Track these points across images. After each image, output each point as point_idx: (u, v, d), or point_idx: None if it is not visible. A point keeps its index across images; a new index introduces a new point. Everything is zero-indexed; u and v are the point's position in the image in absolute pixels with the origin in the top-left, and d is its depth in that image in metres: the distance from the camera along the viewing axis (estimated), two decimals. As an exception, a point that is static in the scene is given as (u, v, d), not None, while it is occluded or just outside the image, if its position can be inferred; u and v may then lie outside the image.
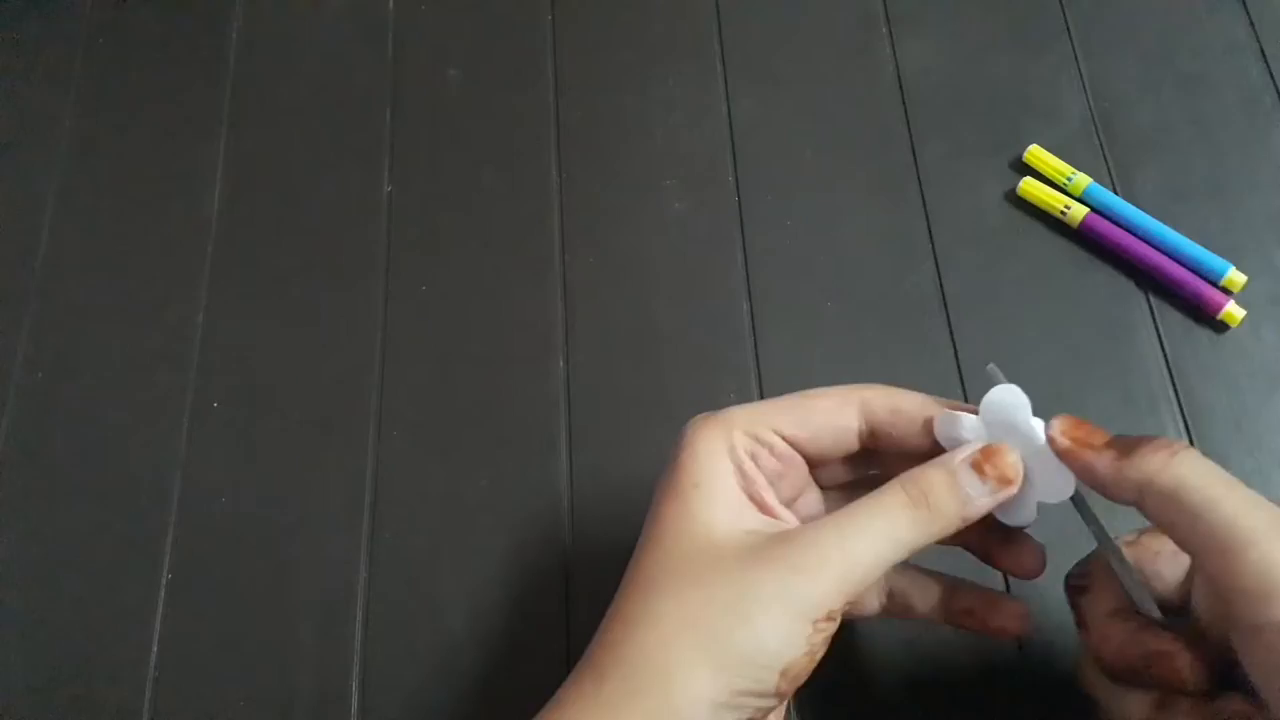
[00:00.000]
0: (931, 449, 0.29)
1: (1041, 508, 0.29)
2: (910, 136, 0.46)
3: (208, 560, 0.40)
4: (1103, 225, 0.42)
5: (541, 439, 0.41)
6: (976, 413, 0.28)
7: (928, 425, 0.29)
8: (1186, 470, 0.25)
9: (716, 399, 0.41)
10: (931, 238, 0.44)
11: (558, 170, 0.47)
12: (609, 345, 0.43)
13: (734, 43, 0.49)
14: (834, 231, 0.45)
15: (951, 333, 0.42)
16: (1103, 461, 0.27)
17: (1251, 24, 0.47)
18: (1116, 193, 0.43)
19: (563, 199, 0.46)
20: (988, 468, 0.27)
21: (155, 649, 0.39)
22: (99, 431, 0.43)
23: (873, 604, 0.32)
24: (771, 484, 0.29)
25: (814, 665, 0.26)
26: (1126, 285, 0.42)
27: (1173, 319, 0.41)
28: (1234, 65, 0.46)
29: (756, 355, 0.42)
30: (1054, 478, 0.28)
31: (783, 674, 0.25)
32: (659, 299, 0.44)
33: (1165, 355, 0.41)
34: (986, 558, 0.31)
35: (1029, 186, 0.43)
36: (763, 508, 0.28)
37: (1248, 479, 0.38)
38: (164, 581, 0.40)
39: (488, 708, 0.37)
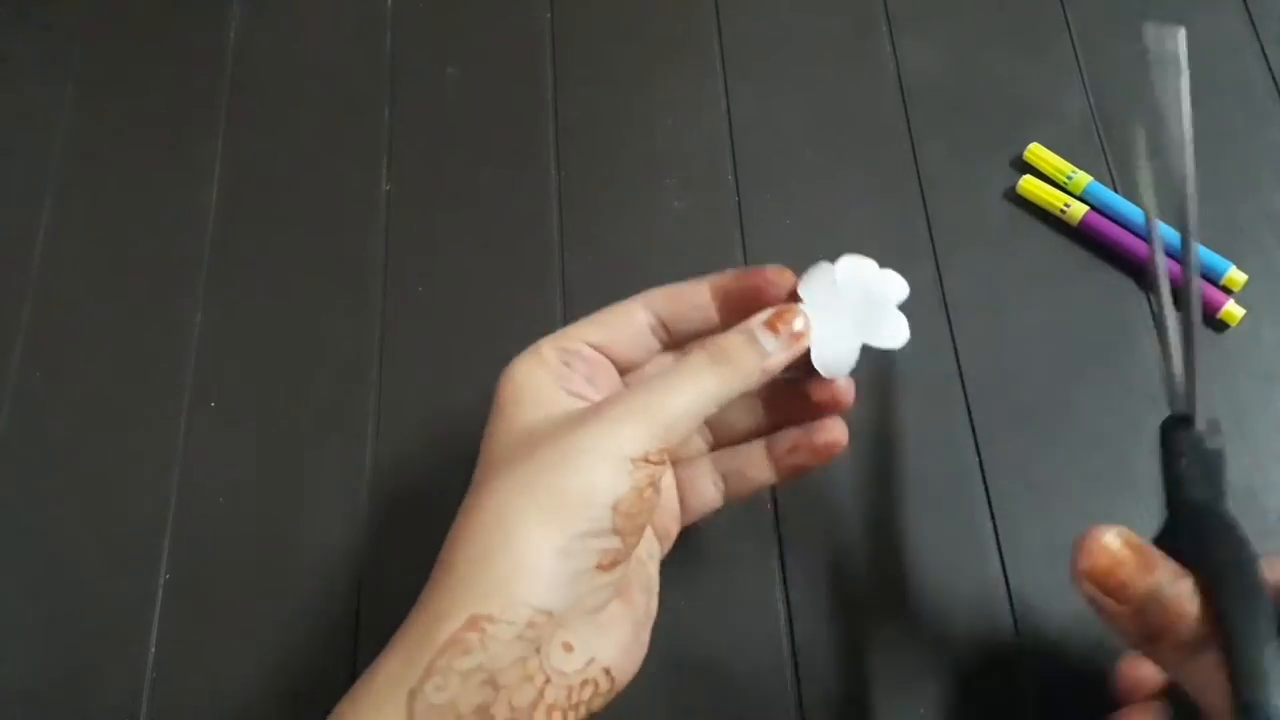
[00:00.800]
0: (719, 328, 0.32)
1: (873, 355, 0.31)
2: (910, 135, 0.46)
3: (206, 560, 0.40)
4: (1103, 224, 0.42)
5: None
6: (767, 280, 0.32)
7: (706, 301, 0.32)
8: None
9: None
10: (931, 236, 0.44)
11: (557, 169, 0.47)
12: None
13: (733, 42, 0.49)
14: (834, 230, 0.44)
15: (951, 331, 0.42)
16: (1127, 630, 0.26)
17: (1251, 23, 0.47)
18: (1117, 191, 0.43)
19: (562, 198, 0.46)
20: (780, 326, 0.30)
21: (153, 649, 0.39)
22: (97, 431, 0.43)
23: (711, 495, 0.34)
24: (589, 384, 0.31)
25: (646, 505, 0.28)
26: (1126, 284, 0.42)
27: (1173, 318, 0.41)
28: (1234, 64, 0.46)
29: (756, 354, 0.42)
30: (883, 326, 0.31)
31: (615, 510, 0.27)
32: (658, 298, 0.44)
33: (1164, 355, 0.41)
34: (804, 409, 0.33)
35: (1029, 185, 0.43)
36: (583, 398, 0.30)
37: (1247, 477, 0.38)
38: (162, 581, 0.40)
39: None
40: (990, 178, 0.45)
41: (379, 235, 0.46)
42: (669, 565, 0.38)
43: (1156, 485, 0.38)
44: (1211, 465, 0.27)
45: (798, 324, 0.30)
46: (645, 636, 0.30)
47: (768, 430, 0.34)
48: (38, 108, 0.50)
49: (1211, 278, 0.41)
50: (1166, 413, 0.28)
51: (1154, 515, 0.38)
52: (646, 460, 0.28)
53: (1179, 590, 0.25)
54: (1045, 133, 0.45)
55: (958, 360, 0.41)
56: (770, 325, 0.30)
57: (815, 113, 0.47)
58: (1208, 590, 0.25)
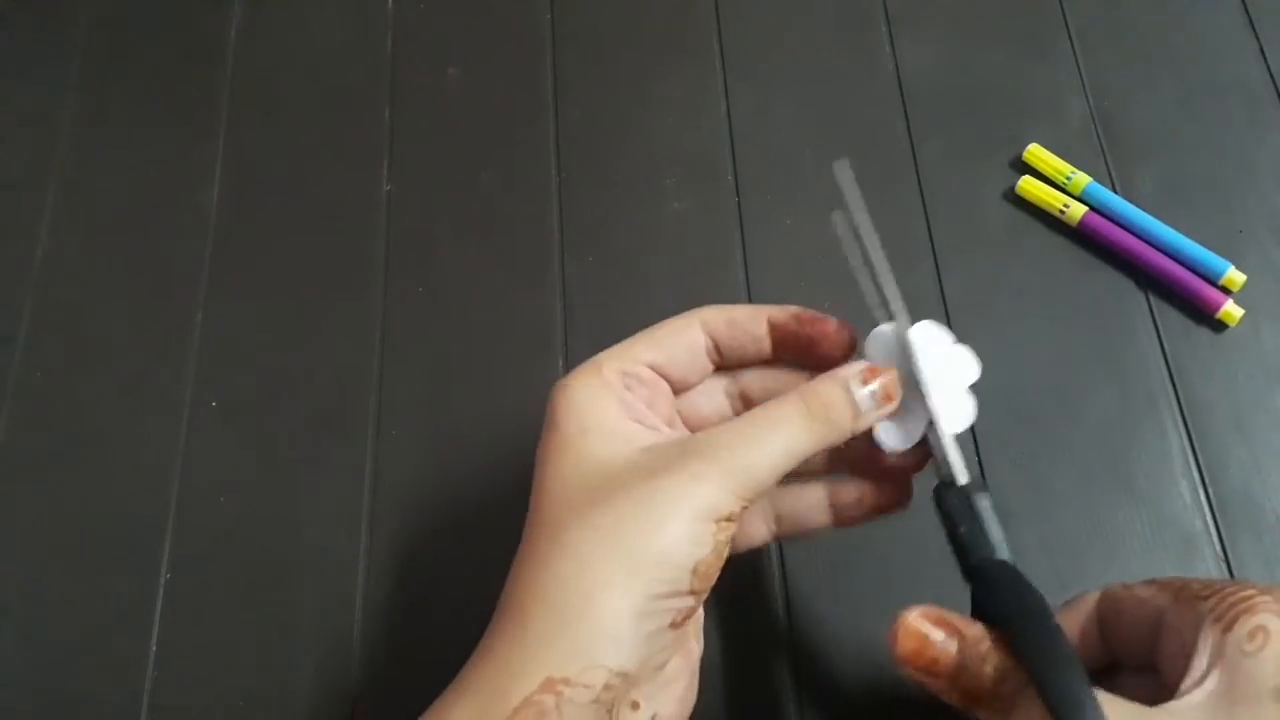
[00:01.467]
0: (768, 360, 0.31)
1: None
2: (909, 135, 0.46)
3: (207, 560, 0.40)
4: (1102, 224, 0.42)
5: (540, 441, 0.41)
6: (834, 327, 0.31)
7: (761, 332, 0.31)
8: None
9: (716, 398, 0.41)
10: (931, 236, 0.44)
11: (557, 169, 0.47)
12: (608, 345, 0.43)
13: (733, 42, 0.49)
14: (834, 231, 0.44)
15: (951, 331, 0.42)
16: (950, 699, 0.27)
17: (1251, 23, 0.47)
18: (1116, 192, 0.43)
19: (562, 198, 0.46)
20: (874, 382, 0.29)
21: (154, 649, 0.39)
22: (97, 431, 0.43)
23: (761, 532, 0.33)
24: (650, 409, 0.30)
25: (721, 563, 0.27)
26: (1126, 284, 0.42)
27: (1172, 318, 0.41)
28: (1233, 65, 0.46)
29: (756, 354, 0.42)
30: (952, 407, 0.30)
31: (694, 572, 0.26)
32: (658, 298, 0.44)
33: (1164, 354, 0.41)
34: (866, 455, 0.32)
35: (1028, 185, 0.43)
36: (652, 428, 0.29)
37: (1246, 477, 0.38)
38: (162, 581, 0.40)
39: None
40: (989, 178, 0.45)
41: (379, 235, 0.46)
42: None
43: (1157, 485, 0.39)
44: (984, 522, 0.29)
45: (892, 384, 0.29)
46: (696, 684, 0.29)
47: (823, 470, 0.33)
48: (39, 108, 0.50)
49: (1210, 277, 0.41)
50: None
51: (1154, 515, 0.38)
52: (729, 519, 0.27)
53: (979, 652, 0.26)
54: (1044, 134, 0.45)
55: (957, 360, 0.41)
56: (864, 379, 0.29)
57: (815, 113, 0.47)
58: (1010, 642, 0.26)
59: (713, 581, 0.27)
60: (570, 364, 0.42)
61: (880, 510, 0.32)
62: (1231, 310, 0.40)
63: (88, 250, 0.47)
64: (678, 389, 0.32)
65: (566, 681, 0.25)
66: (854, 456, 0.32)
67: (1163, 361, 0.41)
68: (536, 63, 0.49)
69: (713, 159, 0.46)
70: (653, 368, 0.30)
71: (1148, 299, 0.42)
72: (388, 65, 0.50)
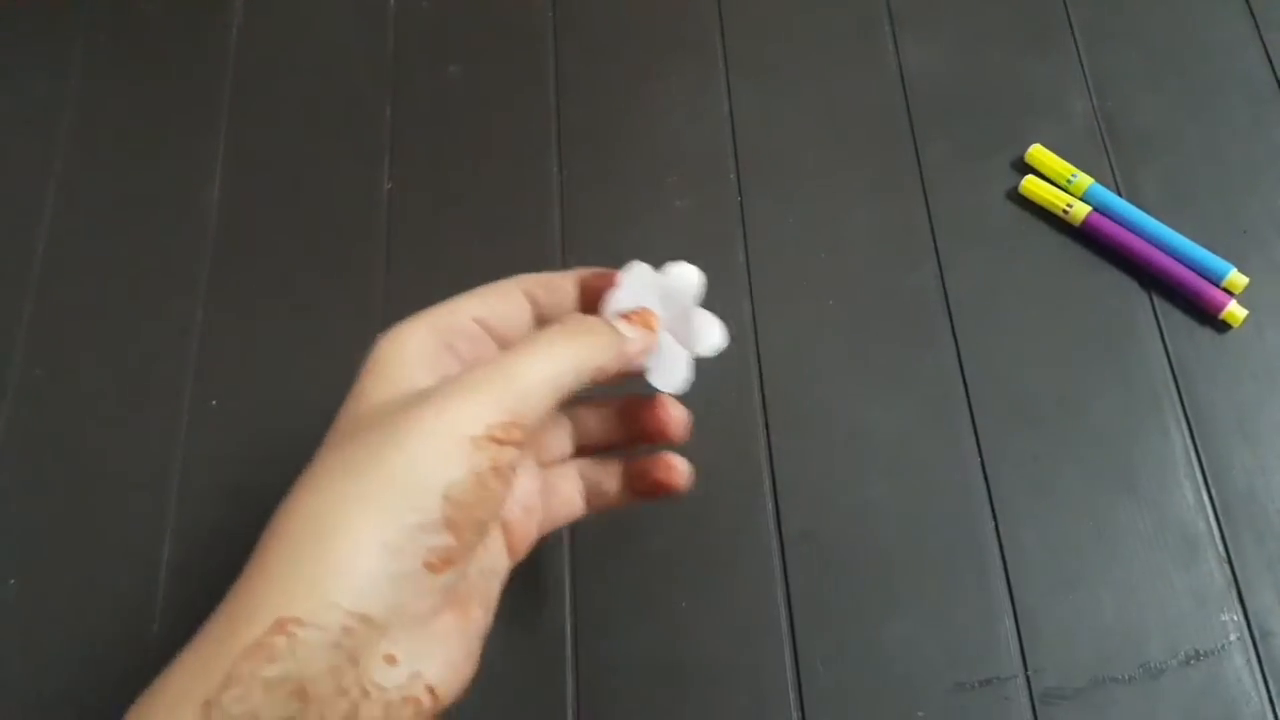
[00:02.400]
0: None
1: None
2: (912, 135, 0.46)
3: (207, 560, 0.40)
4: (1105, 224, 0.42)
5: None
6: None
7: (574, 296, 0.31)
8: None
9: (716, 398, 0.41)
10: (934, 236, 0.44)
11: (559, 167, 0.47)
12: (610, 344, 0.43)
13: (735, 41, 0.49)
14: (836, 230, 0.44)
15: (954, 331, 0.42)
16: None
17: (1255, 23, 0.47)
18: (1119, 193, 0.43)
19: (564, 196, 0.46)
20: (634, 318, 0.30)
21: (154, 649, 0.39)
22: (98, 430, 0.43)
23: (576, 503, 0.32)
24: (463, 358, 0.29)
25: (488, 496, 0.25)
26: (1129, 285, 0.42)
27: (1175, 319, 0.41)
28: (1237, 65, 0.46)
29: (758, 354, 0.42)
30: (701, 332, 0.32)
31: (446, 498, 0.24)
32: (660, 297, 0.44)
33: (1168, 355, 0.41)
34: (640, 432, 0.33)
35: (1031, 185, 0.43)
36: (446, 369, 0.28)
37: (1250, 478, 0.38)
38: (162, 581, 0.40)
39: (487, 707, 0.37)
40: (992, 178, 0.45)
41: (380, 233, 0.46)
42: (669, 561, 0.38)
43: (1160, 486, 0.39)
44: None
45: (651, 318, 0.30)
46: (477, 653, 0.27)
47: (623, 444, 0.33)
48: (39, 106, 0.50)
49: (1213, 279, 0.41)
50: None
51: (1157, 516, 0.38)
52: (492, 439, 0.25)
53: None
54: (1047, 134, 0.45)
55: (960, 360, 0.41)
56: (626, 318, 0.30)
57: (817, 112, 0.47)
58: None
59: (477, 519, 0.25)
60: (571, 363, 0.42)
61: (655, 487, 0.32)
62: (1235, 311, 0.40)
63: (88, 249, 0.47)
64: (505, 345, 0.31)
65: (299, 622, 0.22)
66: (639, 417, 0.32)
67: (1166, 362, 0.41)
68: (538, 61, 0.49)
69: (715, 158, 0.46)
70: (478, 321, 0.30)
71: (1151, 300, 0.42)
72: (389, 63, 0.50)
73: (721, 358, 0.42)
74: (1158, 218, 0.42)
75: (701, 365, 0.42)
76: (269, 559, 0.24)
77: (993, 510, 0.38)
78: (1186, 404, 0.40)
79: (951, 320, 0.42)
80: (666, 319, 0.31)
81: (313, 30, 0.52)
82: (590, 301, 0.31)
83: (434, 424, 0.24)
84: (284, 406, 0.43)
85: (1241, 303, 0.40)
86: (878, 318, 0.42)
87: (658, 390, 0.31)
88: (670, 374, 0.31)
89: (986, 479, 0.39)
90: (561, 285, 0.31)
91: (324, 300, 0.45)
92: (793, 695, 0.36)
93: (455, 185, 0.47)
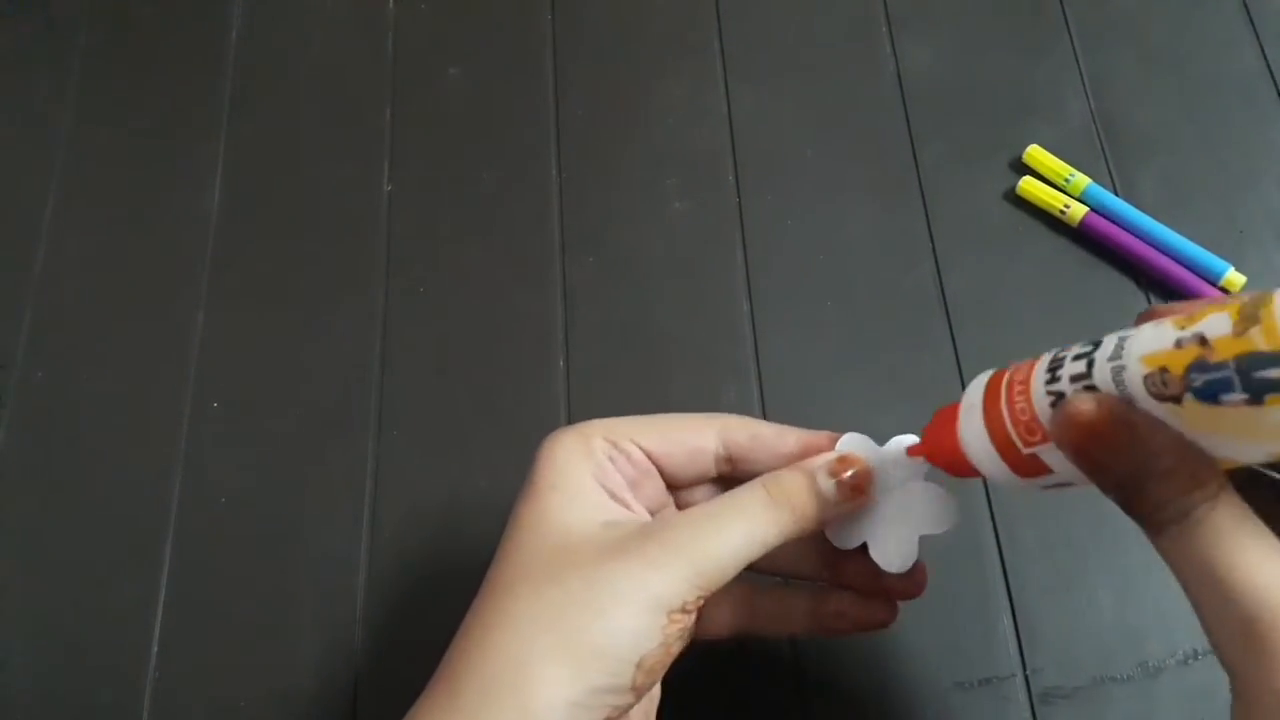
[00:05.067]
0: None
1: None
2: (910, 136, 0.46)
3: (208, 560, 0.40)
4: (1102, 225, 0.42)
5: (541, 439, 0.41)
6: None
7: (785, 450, 0.30)
8: (1197, 541, 0.22)
9: (717, 399, 0.41)
10: (931, 237, 0.44)
11: (558, 170, 0.47)
12: (609, 345, 0.43)
13: (734, 42, 0.49)
14: (834, 231, 0.45)
15: (951, 332, 0.42)
16: (1108, 493, 0.24)
17: (1251, 23, 0.47)
18: (1116, 193, 0.43)
19: (563, 198, 0.46)
20: (844, 474, 0.28)
21: (155, 649, 0.39)
22: (99, 431, 0.43)
23: (724, 622, 0.31)
24: (630, 488, 0.29)
25: (670, 659, 0.26)
26: (1126, 285, 0.42)
27: (1172, 319, 0.41)
28: (1234, 65, 0.46)
29: (756, 355, 0.42)
30: (932, 510, 0.29)
31: (638, 667, 0.25)
32: (659, 299, 0.44)
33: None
34: (846, 585, 0.31)
35: (1028, 186, 0.44)
36: (622, 504, 0.28)
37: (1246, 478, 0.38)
38: (164, 581, 0.40)
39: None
40: (990, 179, 0.45)
41: (380, 236, 0.46)
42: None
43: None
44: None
45: (862, 475, 0.28)
46: None
47: (812, 574, 0.31)
48: (39, 108, 0.50)
49: (1210, 278, 0.41)
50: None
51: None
52: (683, 610, 0.26)
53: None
54: (1045, 134, 0.45)
55: (958, 361, 0.41)
56: (832, 470, 0.28)
57: (816, 113, 0.47)
58: None
59: (658, 677, 0.26)
60: (571, 364, 0.43)
61: (862, 627, 0.31)
62: (1232, 311, 0.40)
63: (88, 251, 0.47)
64: (671, 484, 0.31)
65: None
66: (849, 569, 0.31)
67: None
68: (537, 63, 0.49)
69: (714, 159, 0.46)
70: (647, 453, 0.29)
71: (1148, 300, 0.42)
72: (388, 65, 0.50)
73: (718, 360, 0.42)
74: (1155, 218, 0.42)
75: (702, 365, 0.42)
76: (462, 689, 0.25)
77: (991, 510, 0.39)
78: (1184, 403, 0.40)
79: (949, 320, 0.42)
80: (889, 493, 0.29)
81: (312, 32, 0.52)
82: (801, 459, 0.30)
83: (635, 595, 0.25)
84: (285, 408, 0.43)
85: (1238, 302, 0.41)
86: (876, 318, 0.42)
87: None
88: (893, 552, 0.29)
89: (986, 481, 0.39)
90: (776, 443, 0.30)
91: (324, 302, 0.45)
92: (794, 696, 0.36)
93: (455, 187, 0.47)
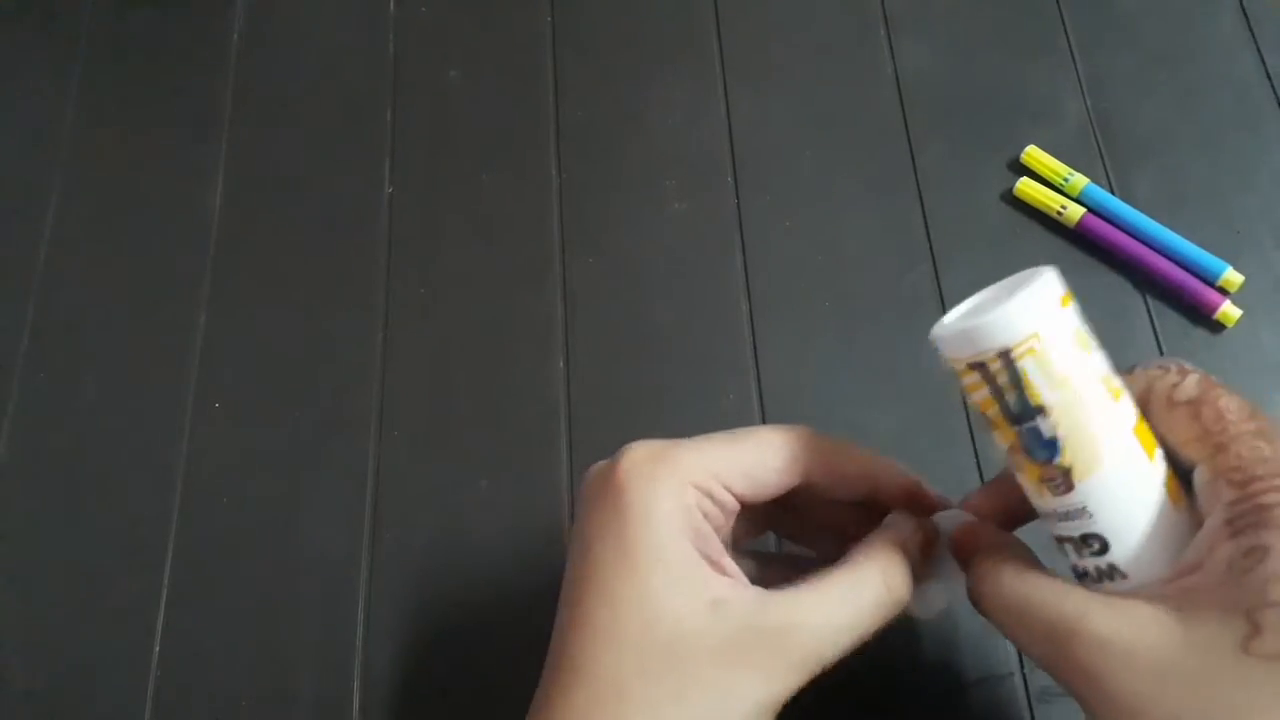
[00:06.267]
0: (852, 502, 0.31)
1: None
2: (908, 137, 0.46)
3: (208, 560, 0.40)
4: (1100, 225, 0.43)
5: (541, 439, 0.41)
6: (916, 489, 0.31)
7: (859, 491, 0.30)
8: (996, 593, 0.26)
9: (716, 399, 0.41)
10: (929, 238, 0.44)
11: (558, 170, 0.47)
12: (609, 345, 0.43)
13: (733, 43, 0.49)
14: (832, 232, 0.45)
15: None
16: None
17: (1248, 24, 0.47)
18: (1114, 193, 0.44)
19: (563, 199, 0.46)
20: (925, 553, 0.29)
21: (156, 649, 0.39)
22: (100, 431, 0.43)
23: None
24: (722, 543, 0.28)
25: None
26: (1124, 285, 0.42)
27: (1170, 319, 0.41)
28: (1231, 66, 0.46)
29: (755, 355, 0.42)
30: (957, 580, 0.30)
31: None
32: (659, 299, 0.44)
33: (1163, 355, 0.41)
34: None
35: (1026, 187, 0.44)
36: (719, 570, 0.27)
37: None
38: (164, 581, 0.40)
39: (488, 708, 0.37)
40: (988, 180, 0.45)
41: (381, 237, 0.46)
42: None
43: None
44: None
45: (931, 548, 0.29)
46: None
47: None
48: (39, 108, 0.51)
49: (1208, 278, 0.41)
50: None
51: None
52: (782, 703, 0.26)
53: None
54: (1042, 135, 0.45)
55: (956, 361, 0.41)
56: (922, 549, 0.29)
57: (814, 114, 0.47)
58: None
59: None
60: (571, 364, 0.43)
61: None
62: (1229, 311, 0.41)
63: (90, 251, 0.47)
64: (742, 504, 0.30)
65: None
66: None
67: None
68: (537, 65, 0.50)
69: (713, 160, 0.47)
70: (736, 495, 0.28)
71: (1145, 300, 0.42)
72: (389, 67, 0.50)
73: (717, 360, 0.42)
74: (1152, 218, 0.42)
75: (701, 366, 0.43)
76: None
77: (989, 509, 0.39)
78: (1181, 403, 0.40)
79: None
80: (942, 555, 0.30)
81: (313, 35, 0.52)
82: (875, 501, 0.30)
83: (751, 710, 0.25)
84: (286, 408, 0.43)
85: (1235, 303, 0.41)
86: (874, 319, 0.43)
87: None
88: (929, 604, 0.30)
89: (983, 478, 0.39)
90: (852, 481, 0.30)
91: (326, 303, 0.45)
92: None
93: (455, 189, 0.47)
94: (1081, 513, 0.25)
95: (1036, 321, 0.25)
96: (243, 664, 0.38)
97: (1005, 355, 0.25)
